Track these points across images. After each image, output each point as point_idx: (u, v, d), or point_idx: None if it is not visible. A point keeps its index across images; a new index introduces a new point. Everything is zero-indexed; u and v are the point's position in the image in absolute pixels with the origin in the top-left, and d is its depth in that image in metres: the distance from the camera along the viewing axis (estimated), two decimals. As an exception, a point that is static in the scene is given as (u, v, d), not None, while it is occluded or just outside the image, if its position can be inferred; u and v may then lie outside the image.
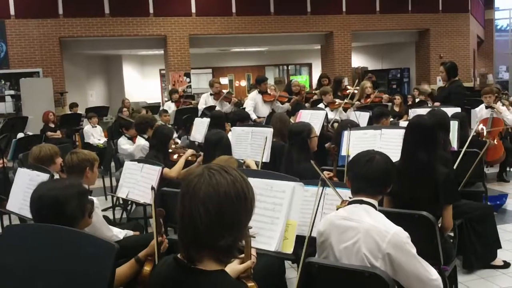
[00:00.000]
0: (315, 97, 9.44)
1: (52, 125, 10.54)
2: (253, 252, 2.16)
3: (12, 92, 12.75)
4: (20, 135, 8.33)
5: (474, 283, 3.99)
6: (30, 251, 1.90)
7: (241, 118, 6.25)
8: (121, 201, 6.09)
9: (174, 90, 11.32)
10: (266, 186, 2.79)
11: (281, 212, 2.71)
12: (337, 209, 2.60)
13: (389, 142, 4.41)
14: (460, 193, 3.88)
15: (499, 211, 5.75)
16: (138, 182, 4.15)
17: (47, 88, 12.58)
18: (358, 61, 18.19)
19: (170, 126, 7.84)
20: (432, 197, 3.21)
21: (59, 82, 13.19)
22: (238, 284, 1.73)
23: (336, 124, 7.06)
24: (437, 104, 7.17)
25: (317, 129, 5.47)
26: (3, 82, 12.82)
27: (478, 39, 21.07)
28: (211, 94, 9.26)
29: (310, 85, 18.25)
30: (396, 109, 10.32)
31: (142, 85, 17.99)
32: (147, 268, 2.52)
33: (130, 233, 3.63)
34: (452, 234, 4.03)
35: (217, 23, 14.44)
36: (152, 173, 4.07)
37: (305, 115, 6.52)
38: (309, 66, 20.09)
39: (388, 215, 2.40)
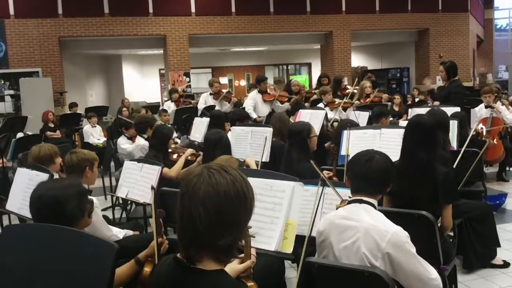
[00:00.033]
0: (315, 96, 9.44)
1: (52, 125, 10.54)
2: (253, 251, 2.16)
3: (11, 92, 12.75)
4: (20, 134, 8.32)
5: (474, 283, 3.99)
6: (29, 251, 1.90)
7: (240, 117, 6.25)
8: (120, 201, 6.09)
9: (174, 89, 11.32)
10: (265, 185, 2.79)
11: (280, 212, 2.71)
12: (336, 209, 2.60)
13: (389, 142, 4.41)
14: (459, 193, 3.89)
15: (499, 211, 5.75)
16: (138, 181, 4.15)
17: (47, 88, 12.58)
18: (357, 60, 18.20)
19: (169, 125, 7.84)
20: (431, 196, 3.21)
21: (58, 82, 13.19)
22: (237, 283, 1.73)
23: (336, 124, 7.07)
24: (436, 103, 7.17)
25: (316, 128, 5.46)
26: (2, 82, 12.81)
27: (478, 38, 21.07)
28: (210, 94, 9.26)
29: (310, 85, 18.24)
30: (396, 108, 10.32)
31: (141, 84, 17.99)
32: (147, 269, 2.52)
33: (130, 232, 3.63)
34: (451, 233, 4.03)
35: (217, 23, 14.44)
36: (151, 173, 4.07)
37: (304, 115, 6.52)
38: (309, 65, 20.08)
39: (388, 215, 2.41)
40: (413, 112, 6.07)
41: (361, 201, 2.44)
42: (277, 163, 4.61)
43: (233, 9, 14.57)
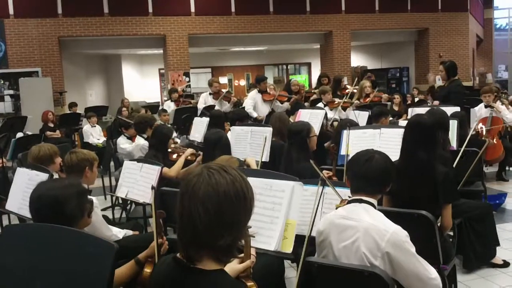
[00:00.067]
0: (314, 96, 9.44)
1: (51, 125, 10.54)
2: (253, 251, 2.16)
3: (11, 91, 12.74)
4: (19, 134, 8.32)
5: (473, 283, 3.99)
6: (29, 251, 1.90)
7: (240, 117, 6.25)
8: (120, 201, 6.09)
9: (174, 89, 11.32)
10: (265, 185, 2.79)
11: (280, 212, 2.71)
12: (336, 208, 2.60)
13: (389, 142, 4.42)
14: (459, 192, 3.89)
15: (498, 210, 5.75)
16: (138, 181, 4.15)
17: (46, 87, 12.58)
18: (357, 60, 18.20)
19: (169, 125, 7.84)
20: (431, 196, 3.21)
21: (58, 82, 13.18)
22: (237, 283, 1.73)
23: (335, 123, 7.07)
24: (436, 103, 7.17)
25: (316, 128, 5.47)
26: (2, 82, 12.81)
27: (477, 38, 21.07)
28: (210, 94, 9.26)
29: (310, 85, 18.25)
30: (396, 108, 10.32)
31: (141, 84, 17.99)
32: (147, 269, 2.52)
33: (130, 232, 3.63)
34: (451, 233, 4.03)
35: (216, 23, 14.44)
36: (151, 173, 4.07)
37: (304, 115, 6.52)
38: (309, 65, 20.08)
39: (388, 214, 2.41)
40: (413, 111, 6.07)
41: (360, 201, 2.44)
42: (276, 162, 4.61)
43: (233, 9, 14.57)
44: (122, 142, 6.43)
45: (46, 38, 13.00)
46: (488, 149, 5.95)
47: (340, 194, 2.89)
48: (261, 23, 14.86)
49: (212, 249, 1.55)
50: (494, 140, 6.86)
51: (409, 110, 6.98)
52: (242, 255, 1.96)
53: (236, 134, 5.35)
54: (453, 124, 5.04)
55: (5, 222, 5.31)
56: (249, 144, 5.18)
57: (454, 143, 4.99)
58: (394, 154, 3.18)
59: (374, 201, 2.46)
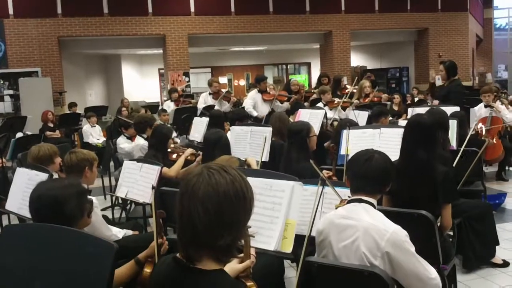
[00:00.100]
0: (314, 96, 9.44)
1: (51, 125, 10.54)
2: (252, 251, 2.16)
3: (11, 91, 12.74)
4: (19, 134, 8.32)
5: (473, 282, 3.99)
6: (29, 251, 1.90)
7: (240, 117, 6.25)
8: (120, 201, 6.09)
9: (174, 89, 11.31)
10: (265, 185, 2.79)
11: (280, 212, 2.71)
12: (336, 208, 2.60)
13: (388, 141, 4.42)
14: (459, 192, 3.89)
15: (498, 210, 5.75)
16: (137, 181, 4.15)
17: (46, 87, 12.58)
18: (357, 60, 18.20)
19: (169, 125, 7.84)
20: (431, 196, 3.21)
21: (58, 82, 13.18)
22: (237, 283, 1.73)
23: (335, 123, 7.07)
24: (436, 102, 7.18)
25: (316, 128, 5.47)
26: (1, 82, 12.81)
27: (477, 38, 21.08)
28: (210, 94, 9.26)
29: (309, 84, 18.25)
30: (395, 108, 10.33)
31: (141, 84, 17.99)
32: (147, 269, 2.52)
33: (129, 232, 3.62)
34: (451, 233, 4.03)
35: (216, 22, 14.44)
36: (151, 173, 4.07)
37: (304, 114, 6.52)
38: (308, 65, 20.08)
39: (387, 214, 2.41)
40: (413, 111, 6.07)
41: (360, 201, 2.44)
42: (276, 162, 4.61)
43: (233, 9, 14.57)
44: (122, 142, 6.43)
45: (46, 38, 13.00)
46: (487, 149, 5.95)
47: (339, 194, 2.90)
48: (261, 23, 14.86)
49: (212, 249, 1.55)
50: (494, 140, 6.86)
51: (409, 110, 6.98)
52: (242, 255, 1.96)
53: (235, 134, 5.35)
54: (453, 124, 5.05)
55: (5, 222, 5.31)
56: (249, 144, 5.18)
57: (453, 143, 4.99)
58: (394, 154, 3.18)
59: (374, 201, 2.46)
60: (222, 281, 1.56)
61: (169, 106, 10.39)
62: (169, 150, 5.24)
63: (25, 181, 3.73)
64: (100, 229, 3.16)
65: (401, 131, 3.65)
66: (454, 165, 4.28)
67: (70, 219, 2.28)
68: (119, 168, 5.24)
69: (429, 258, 2.49)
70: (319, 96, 8.62)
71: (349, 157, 2.90)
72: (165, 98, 13.29)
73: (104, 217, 3.63)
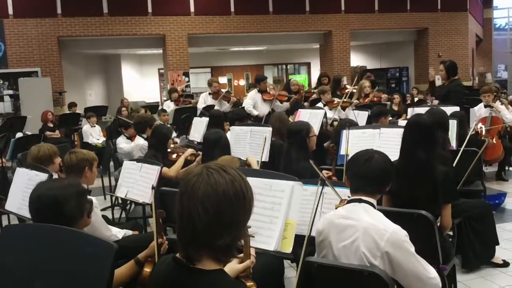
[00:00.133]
0: (314, 96, 9.44)
1: (51, 125, 10.54)
2: (252, 251, 2.16)
3: (10, 91, 12.74)
4: (19, 134, 8.32)
5: (473, 282, 3.99)
6: (29, 251, 1.90)
7: (240, 117, 6.25)
8: (120, 201, 6.09)
9: (174, 89, 11.31)
10: (265, 185, 2.79)
11: (280, 212, 2.71)
12: (336, 208, 2.60)
13: (388, 141, 4.42)
14: (459, 192, 3.89)
15: (498, 210, 5.75)
16: (137, 181, 4.15)
17: (46, 87, 12.58)
18: (357, 60, 18.20)
19: (168, 125, 7.84)
20: (431, 196, 3.21)
21: (57, 82, 13.18)
22: (237, 283, 1.73)
23: (335, 123, 7.07)
24: (435, 102, 7.18)
25: (316, 128, 5.47)
26: (1, 82, 12.80)
27: (477, 38, 21.08)
28: (209, 94, 9.26)
29: (309, 84, 18.26)
30: (395, 108, 10.33)
31: (140, 84, 17.98)
32: (147, 269, 2.52)
33: (129, 232, 3.62)
34: (451, 233, 4.03)
35: (216, 22, 14.44)
36: (151, 173, 4.07)
37: (304, 114, 6.52)
38: (308, 65, 20.08)
39: (387, 214, 2.41)
40: (413, 111, 6.07)
41: (360, 201, 2.44)
42: (276, 162, 4.61)
43: (232, 9, 14.57)
44: (121, 142, 6.43)
45: (46, 38, 13.00)
46: (487, 149, 5.95)
47: (339, 194, 2.90)
48: (261, 23, 14.86)
49: (212, 249, 1.55)
50: (494, 140, 6.86)
51: (409, 110, 6.98)
52: (242, 255, 1.96)
53: (235, 134, 5.35)
54: (453, 124, 5.05)
55: (4, 222, 5.31)
56: (249, 144, 5.18)
57: (453, 143, 5.00)
58: (394, 154, 3.19)
59: (374, 201, 2.46)
60: (222, 281, 1.56)
61: (169, 106, 10.39)
62: (169, 150, 5.24)
63: (25, 181, 3.73)
64: (100, 229, 3.16)
65: (401, 131, 3.65)
66: (454, 165, 4.28)
67: (70, 219, 2.28)
68: (119, 168, 5.24)
69: (429, 258, 2.49)
70: (319, 96, 8.62)
71: (349, 157, 2.90)
72: (165, 98, 13.29)
73: (104, 217, 3.63)
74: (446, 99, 6.77)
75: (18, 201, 3.71)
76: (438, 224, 3.21)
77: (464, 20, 17.08)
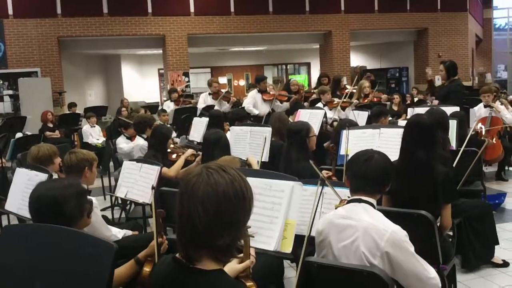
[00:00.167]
0: (314, 96, 9.44)
1: (51, 125, 10.54)
2: (252, 251, 2.16)
3: (10, 92, 12.73)
4: (19, 135, 8.32)
5: (473, 282, 3.99)
6: (29, 251, 1.90)
7: (239, 117, 6.25)
8: (120, 201, 6.09)
9: (173, 89, 11.31)
10: (265, 185, 2.79)
11: (280, 212, 2.71)
12: (335, 208, 2.60)
13: (388, 141, 4.42)
14: (458, 192, 3.89)
15: (498, 210, 5.75)
16: (137, 181, 4.15)
17: (46, 87, 12.57)
18: (356, 60, 18.20)
19: (168, 125, 7.84)
20: (431, 196, 3.21)
21: (57, 82, 13.18)
22: (237, 283, 1.73)
23: (335, 123, 7.07)
24: (435, 102, 7.18)
25: (315, 128, 5.47)
26: (1, 82, 12.80)
27: (477, 38, 21.08)
28: (209, 94, 9.26)
29: (309, 84, 18.25)
30: (395, 108, 10.33)
31: (140, 84, 17.99)
32: (147, 268, 2.52)
33: (129, 232, 3.63)
34: (451, 233, 4.03)
35: (216, 23, 14.44)
36: (150, 173, 4.07)
37: (304, 114, 6.52)
38: (308, 65, 20.09)
39: (387, 214, 2.41)
40: (413, 111, 6.07)
41: (360, 201, 2.44)
42: (276, 162, 4.61)
43: (232, 9, 14.56)
44: (121, 142, 6.43)
45: (46, 38, 12.99)
46: (487, 149, 5.95)
47: (339, 194, 2.90)
48: (261, 23, 14.86)
49: (211, 249, 1.55)
50: (494, 140, 6.86)
51: (409, 110, 6.98)
52: (242, 255, 1.96)
53: (235, 134, 5.35)
54: (453, 124, 5.05)
55: (4, 222, 5.31)
56: (249, 144, 5.18)
57: (453, 143, 4.99)
58: (394, 154, 3.19)
59: (374, 201, 2.46)
60: (221, 281, 1.56)
61: (169, 106, 10.39)
62: (168, 150, 5.24)
63: (24, 182, 3.73)
64: (100, 229, 3.16)
65: (400, 131, 3.65)
66: (454, 165, 4.28)
67: (69, 219, 2.28)
68: (119, 168, 5.24)
69: (428, 258, 2.50)
70: (319, 96, 8.62)
71: (349, 157, 2.90)
72: (165, 98, 13.29)
73: (104, 217, 3.63)
74: (446, 99, 6.77)
75: (18, 201, 3.71)
76: (438, 224, 3.21)
77: (464, 20, 17.08)
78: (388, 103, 9.77)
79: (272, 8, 14.91)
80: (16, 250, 1.94)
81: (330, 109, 7.99)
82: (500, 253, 4.31)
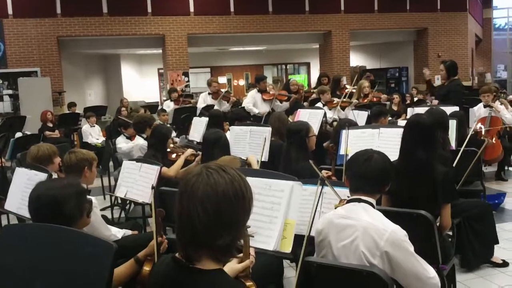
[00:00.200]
0: (313, 96, 9.44)
1: (50, 125, 10.53)
2: (252, 251, 2.16)
3: (10, 91, 12.73)
4: (18, 134, 8.33)
5: (472, 282, 3.99)
6: (29, 251, 1.90)
7: (239, 117, 6.25)
8: (119, 201, 6.09)
9: (173, 89, 11.31)
10: (264, 185, 2.79)
11: (279, 211, 2.71)
12: (335, 208, 2.60)
13: (388, 141, 4.42)
14: (458, 192, 3.89)
15: (498, 210, 5.75)
16: (137, 181, 4.14)
17: (45, 87, 12.57)
18: (356, 60, 18.20)
19: (168, 125, 7.84)
20: (430, 196, 3.21)
21: (57, 82, 13.17)
22: (236, 283, 1.73)
23: (335, 123, 7.07)
24: (435, 102, 7.18)
25: (315, 128, 5.47)
26: (1, 82, 12.80)
27: (476, 38, 21.08)
28: (209, 94, 9.26)
29: (309, 84, 18.25)
30: (395, 108, 10.33)
31: (140, 84, 17.98)
32: (146, 268, 2.52)
33: (129, 232, 3.63)
34: (450, 233, 4.03)
35: (216, 22, 14.44)
36: (150, 172, 4.07)
37: (303, 114, 6.52)
38: (308, 65, 20.09)
39: (387, 214, 2.41)
40: (413, 111, 6.07)
41: (359, 200, 2.44)
42: (275, 162, 4.61)
43: (232, 9, 14.56)
44: (120, 142, 6.43)
45: (45, 38, 12.99)
46: (487, 148, 5.95)
47: (339, 194, 2.90)
48: (260, 23, 14.86)
49: (211, 248, 1.55)
50: (493, 140, 6.86)
51: (409, 109, 6.98)
52: (241, 255, 1.97)
53: (235, 134, 5.35)
54: (452, 124, 5.05)
55: (4, 222, 5.31)
56: (248, 144, 5.18)
57: (453, 143, 5.00)
58: (393, 154, 3.19)
59: (373, 201, 2.46)
60: (221, 281, 1.56)
61: (169, 106, 10.38)
62: (168, 150, 5.24)
63: (24, 181, 3.73)
64: (100, 229, 3.16)
65: (400, 131, 3.65)
66: (454, 165, 4.28)
67: (69, 219, 2.28)
68: (119, 168, 5.24)
69: (428, 258, 2.50)
70: (318, 96, 8.62)
71: (348, 157, 2.90)
72: (165, 98, 13.29)
73: (104, 217, 3.63)
74: (445, 99, 6.78)
75: (18, 201, 3.71)
76: (438, 224, 3.21)
77: (463, 20, 17.08)
78: (388, 103, 9.76)
79: (272, 8, 14.91)
80: (16, 250, 1.94)
81: (330, 109, 7.99)
82: (499, 253, 4.32)
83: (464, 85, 8.56)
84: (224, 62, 18.78)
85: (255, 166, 4.44)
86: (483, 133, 6.94)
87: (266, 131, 5.03)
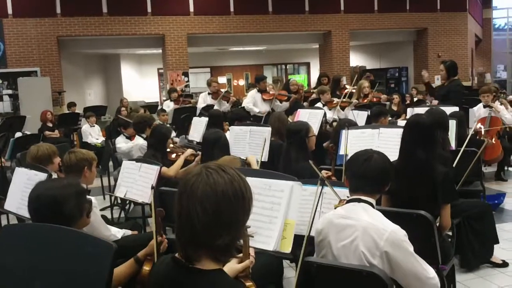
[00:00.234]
0: (313, 96, 9.44)
1: (50, 125, 10.53)
2: (251, 251, 2.16)
3: (10, 91, 12.73)
4: (18, 134, 8.32)
5: (472, 282, 3.99)
6: (28, 251, 1.90)
7: (239, 117, 6.25)
8: (119, 201, 6.08)
9: (173, 89, 11.30)
10: (264, 185, 2.79)
11: (279, 212, 2.71)
12: (335, 208, 2.60)
13: (387, 141, 4.42)
14: (458, 192, 3.89)
15: (497, 210, 5.75)
16: (136, 181, 4.14)
17: (45, 87, 12.56)
18: (356, 60, 18.20)
19: (168, 125, 7.84)
20: (430, 196, 3.22)
21: (57, 81, 13.17)
22: (236, 283, 1.73)
23: (335, 123, 7.07)
24: (435, 102, 7.18)
25: (315, 128, 5.47)
26: (1, 82, 12.79)
27: (476, 38, 21.08)
28: (209, 93, 9.26)
29: (309, 84, 18.25)
30: (394, 108, 10.33)
31: (140, 84, 17.98)
32: (146, 267, 2.52)
33: (128, 232, 3.63)
34: (450, 233, 4.03)
35: (215, 22, 14.44)
36: (150, 172, 4.07)
37: (303, 114, 6.52)
38: (307, 65, 20.09)
39: (386, 214, 2.41)
40: (413, 111, 6.07)
41: (359, 200, 2.44)
42: (275, 162, 4.61)
43: (232, 9, 14.56)
44: (120, 142, 6.43)
45: (45, 37, 12.99)
46: (486, 149, 5.95)
47: (339, 194, 2.90)
48: (260, 23, 14.86)
49: (211, 248, 1.55)
50: (493, 140, 6.86)
51: (408, 110, 6.98)
52: (241, 255, 1.97)
53: (235, 134, 5.35)
54: (452, 124, 5.05)
55: (3, 222, 5.30)
56: (248, 144, 5.18)
57: (453, 143, 5.00)
58: (393, 154, 3.19)
59: (373, 201, 2.46)
60: (221, 281, 1.56)
61: (169, 106, 10.38)
62: (168, 150, 5.23)
63: (24, 181, 3.73)
64: (99, 229, 3.16)
65: (400, 131, 3.65)
66: (454, 165, 4.28)
67: (69, 219, 2.28)
68: (118, 168, 5.24)
69: (428, 258, 2.50)
70: (318, 96, 8.62)
71: (348, 157, 2.90)
72: (164, 98, 13.28)
73: (103, 217, 3.63)
74: (445, 99, 6.78)
75: (17, 201, 3.71)
76: (437, 224, 3.21)
77: (463, 20, 17.08)
78: (388, 103, 9.76)
79: (272, 8, 14.91)
80: (16, 249, 1.94)
81: (330, 109, 7.99)
82: (499, 253, 4.32)
83: (464, 85, 8.56)
84: (224, 62, 18.78)
85: (255, 166, 4.44)
86: (483, 133, 6.94)
87: (266, 131, 5.03)
